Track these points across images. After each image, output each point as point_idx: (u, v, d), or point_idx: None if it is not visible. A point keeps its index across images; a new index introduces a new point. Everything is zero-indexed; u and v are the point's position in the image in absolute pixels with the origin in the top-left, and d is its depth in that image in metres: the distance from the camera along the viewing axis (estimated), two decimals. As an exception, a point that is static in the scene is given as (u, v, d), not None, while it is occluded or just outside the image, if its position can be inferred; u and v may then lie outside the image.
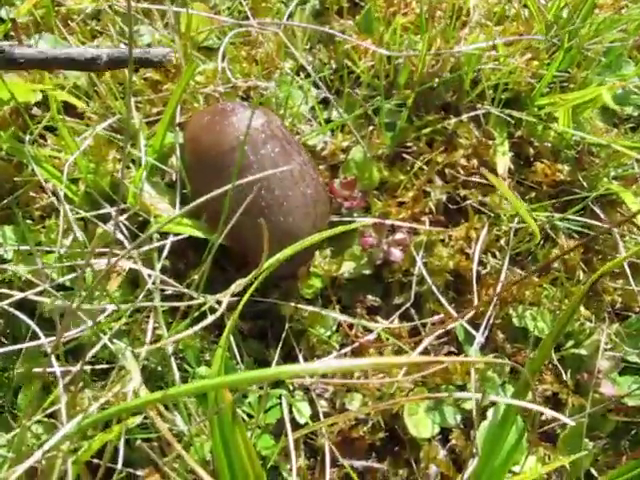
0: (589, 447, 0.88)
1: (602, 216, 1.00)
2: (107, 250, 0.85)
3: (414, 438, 0.87)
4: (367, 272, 0.93)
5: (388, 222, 0.94)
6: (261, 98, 0.99)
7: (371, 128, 1.00)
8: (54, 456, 0.66)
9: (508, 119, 1.00)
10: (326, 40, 1.06)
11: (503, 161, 1.00)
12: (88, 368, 0.82)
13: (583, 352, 0.93)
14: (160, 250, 0.84)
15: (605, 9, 1.11)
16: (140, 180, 0.87)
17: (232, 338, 0.86)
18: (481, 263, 0.96)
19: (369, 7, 1.04)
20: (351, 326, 0.92)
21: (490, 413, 0.88)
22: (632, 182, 1.01)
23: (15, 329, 0.84)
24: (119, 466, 0.69)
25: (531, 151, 1.03)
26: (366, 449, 0.88)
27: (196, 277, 0.75)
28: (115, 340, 0.80)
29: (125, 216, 0.87)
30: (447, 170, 0.99)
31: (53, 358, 0.72)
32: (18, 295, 0.77)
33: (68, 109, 0.97)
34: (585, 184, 1.01)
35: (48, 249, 0.86)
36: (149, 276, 0.80)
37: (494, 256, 0.97)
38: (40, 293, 0.78)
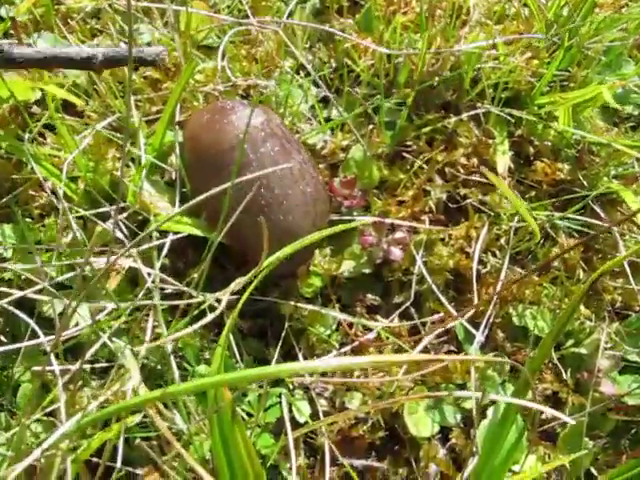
0: (589, 446, 0.88)
1: (602, 215, 1.00)
2: (107, 249, 0.85)
3: (414, 437, 0.87)
4: (367, 271, 0.93)
5: (388, 221, 0.93)
6: (261, 97, 0.99)
7: (371, 127, 1.00)
8: (53, 455, 0.66)
9: (508, 118, 1.00)
10: (326, 39, 1.06)
11: (503, 160, 1.00)
12: (87, 367, 0.82)
13: (583, 351, 0.93)
14: (160, 248, 0.84)
15: (605, 8, 1.11)
16: (140, 179, 0.87)
17: (232, 337, 0.86)
18: (481, 262, 0.96)
19: (369, 6, 1.04)
20: (351, 325, 0.92)
21: (490, 412, 0.87)
22: (632, 181, 1.01)
23: (14, 328, 0.84)
24: (118, 465, 0.69)
25: (531, 150, 1.03)
26: (366, 448, 0.88)
27: (195, 275, 0.75)
28: (114, 339, 0.80)
29: (125, 215, 0.87)
30: (447, 169, 0.99)
31: (52, 357, 0.72)
32: (17, 294, 0.77)
33: (68, 108, 0.97)
34: (585, 183, 1.01)
35: (47, 248, 0.86)
36: (148, 274, 0.80)
37: (494, 255, 0.97)
38: (39, 292, 0.78)
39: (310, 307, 0.90)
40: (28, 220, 0.90)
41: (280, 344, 0.89)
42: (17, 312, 0.77)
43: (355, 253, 0.93)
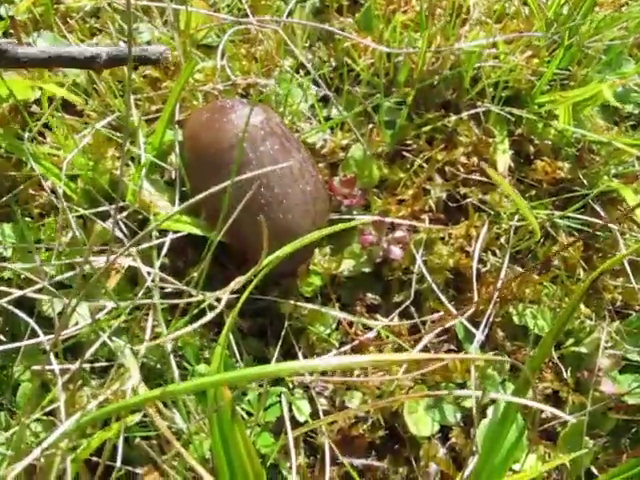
0: (589, 445, 0.88)
1: (602, 214, 1.00)
2: (106, 248, 0.85)
3: (414, 436, 0.87)
4: (367, 270, 0.93)
5: (388, 220, 0.93)
6: (260, 96, 0.99)
7: (371, 126, 0.99)
8: (53, 454, 0.66)
9: (508, 117, 1.00)
10: (326, 38, 1.06)
11: (503, 159, 0.99)
12: (87, 366, 0.82)
13: (583, 350, 0.93)
14: (159, 248, 0.84)
15: (605, 7, 1.11)
16: (139, 178, 0.87)
17: (231, 336, 0.86)
18: (481, 261, 0.96)
19: (369, 5, 1.04)
20: (351, 324, 0.91)
21: (490, 411, 0.87)
22: (632, 180, 1.01)
23: (14, 327, 0.84)
24: (118, 464, 0.69)
25: (531, 149, 1.03)
26: (366, 447, 0.88)
27: (195, 274, 0.75)
28: (114, 338, 0.79)
29: (124, 214, 0.87)
30: (447, 168, 0.99)
31: (52, 356, 0.72)
32: (17, 293, 0.77)
33: (67, 107, 0.96)
34: (585, 182, 1.01)
35: (47, 247, 0.86)
36: (148, 274, 0.80)
37: (494, 254, 0.97)
38: (39, 291, 0.78)
39: (310, 306, 0.90)
40: (28, 219, 0.90)
41: (280, 343, 0.89)
42: (17, 311, 0.77)
43: (355, 252, 0.93)
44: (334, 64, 1.04)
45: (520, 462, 0.85)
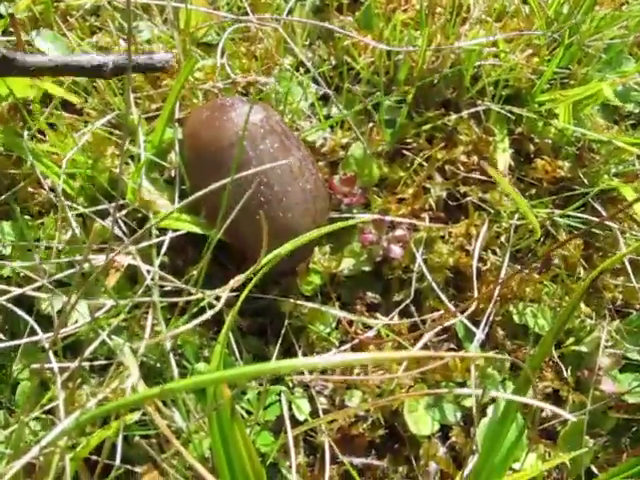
0: (589, 444, 0.88)
1: (603, 213, 1.00)
2: (106, 246, 0.84)
3: (414, 435, 0.87)
4: (367, 269, 0.93)
5: (388, 219, 0.93)
6: (260, 94, 0.99)
7: (371, 124, 0.99)
8: (52, 452, 0.66)
9: (508, 115, 1.00)
10: (326, 36, 1.06)
11: (503, 158, 0.99)
12: (86, 364, 0.82)
13: (583, 349, 0.93)
14: (159, 246, 0.83)
15: (606, 6, 1.11)
16: (139, 176, 0.87)
17: (231, 335, 0.86)
18: (481, 260, 0.96)
19: (369, 3, 1.04)
20: (351, 323, 0.91)
21: (490, 410, 0.87)
22: (633, 179, 1.01)
23: (13, 325, 0.84)
24: (117, 462, 0.69)
25: (531, 148, 1.03)
26: (366, 446, 0.88)
27: (195, 273, 0.75)
28: (113, 336, 0.79)
29: (124, 212, 0.87)
30: (447, 167, 0.99)
31: (51, 354, 0.72)
32: (16, 291, 0.77)
33: (67, 105, 0.96)
34: (586, 181, 1.01)
35: (46, 245, 0.86)
36: (148, 272, 0.79)
37: (494, 253, 0.97)
38: (38, 289, 0.78)
39: (310, 305, 0.90)
40: (27, 217, 0.89)
41: (280, 342, 0.88)
42: (16, 309, 0.76)
43: (355, 251, 0.93)
44: (334, 62, 1.04)
45: (520, 461, 0.85)
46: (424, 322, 0.93)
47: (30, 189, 0.91)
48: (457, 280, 0.96)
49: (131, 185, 0.86)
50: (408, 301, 0.93)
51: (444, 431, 0.89)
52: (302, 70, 1.02)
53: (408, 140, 1.00)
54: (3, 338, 0.83)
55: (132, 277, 0.87)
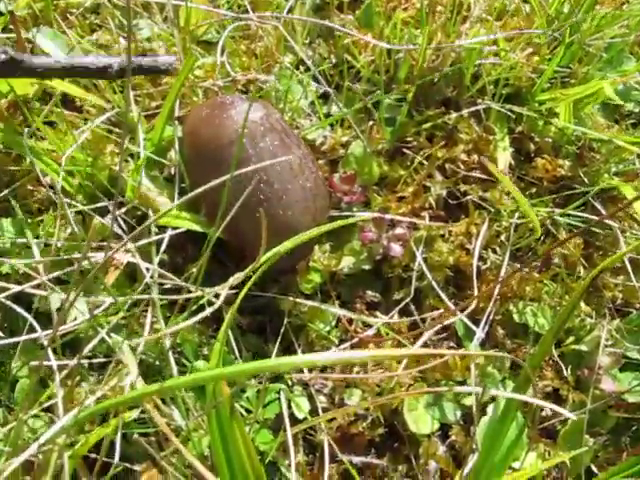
0: (589, 443, 0.88)
1: (603, 212, 1.00)
2: (105, 244, 0.84)
3: (413, 434, 0.87)
4: (367, 267, 0.93)
5: (388, 217, 0.93)
6: (260, 92, 0.99)
7: (371, 123, 0.99)
8: (50, 450, 0.65)
9: (509, 114, 1.00)
10: (326, 34, 1.06)
11: (504, 156, 0.99)
12: (85, 362, 0.82)
13: (584, 348, 0.93)
14: (158, 244, 0.83)
15: (606, 5, 1.10)
16: (138, 174, 0.87)
17: (230, 333, 0.86)
18: (481, 259, 0.96)
19: (369, 1, 1.04)
20: (350, 321, 0.91)
21: (490, 409, 0.87)
22: (633, 177, 1.01)
23: (12, 322, 0.84)
24: (116, 460, 0.69)
25: (532, 147, 1.02)
26: (365, 445, 0.88)
27: (194, 271, 0.75)
28: (112, 334, 0.79)
29: (123, 210, 0.87)
30: (447, 165, 0.99)
31: (50, 351, 0.72)
32: (15, 288, 0.77)
33: (67, 102, 0.96)
34: (586, 180, 1.01)
35: (45, 242, 0.86)
36: (147, 270, 0.79)
37: (494, 252, 0.97)
38: (37, 286, 0.78)
39: (310, 303, 0.90)
40: (26, 214, 0.89)
41: (279, 340, 0.88)
42: (15, 307, 0.76)
43: (355, 249, 0.93)
44: (334, 61, 1.04)
45: (520, 460, 0.84)
46: (424, 321, 0.93)
47: (29, 186, 0.91)
48: (457, 279, 0.96)
49: (131, 183, 0.86)
50: (408, 300, 0.93)
51: (444, 430, 0.89)
52: (302, 68, 1.02)
53: (408, 138, 1.00)
54: (2, 335, 0.83)
55: (131, 275, 0.87)
